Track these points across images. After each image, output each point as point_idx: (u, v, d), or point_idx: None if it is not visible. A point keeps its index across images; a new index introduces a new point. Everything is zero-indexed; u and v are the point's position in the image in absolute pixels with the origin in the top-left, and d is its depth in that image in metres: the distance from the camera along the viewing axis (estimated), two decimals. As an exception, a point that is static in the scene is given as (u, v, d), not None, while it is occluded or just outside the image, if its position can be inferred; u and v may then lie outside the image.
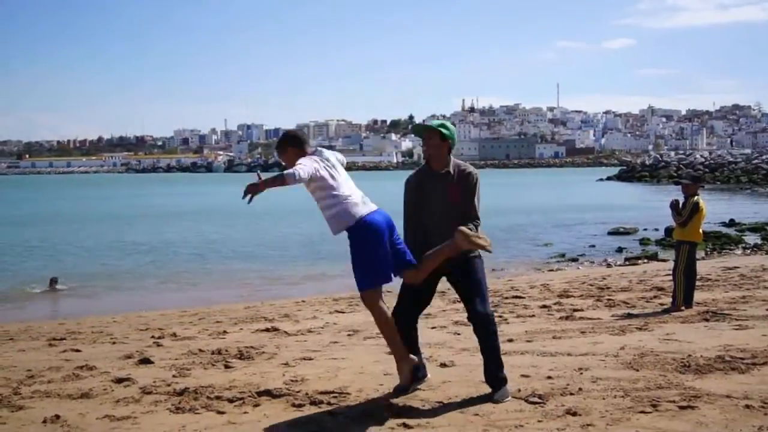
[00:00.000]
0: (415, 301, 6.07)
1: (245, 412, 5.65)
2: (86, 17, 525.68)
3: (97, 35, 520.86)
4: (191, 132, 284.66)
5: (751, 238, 24.73)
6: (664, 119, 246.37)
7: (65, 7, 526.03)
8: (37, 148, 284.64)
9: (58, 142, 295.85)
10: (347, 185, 5.68)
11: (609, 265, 18.87)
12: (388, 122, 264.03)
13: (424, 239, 5.86)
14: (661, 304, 10.46)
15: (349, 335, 9.08)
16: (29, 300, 16.41)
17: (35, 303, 16.11)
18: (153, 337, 9.63)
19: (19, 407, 6.03)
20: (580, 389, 5.87)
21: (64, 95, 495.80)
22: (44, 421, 5.57)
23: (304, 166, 5.46)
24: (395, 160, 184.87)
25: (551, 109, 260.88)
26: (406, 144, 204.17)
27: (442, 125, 5.88)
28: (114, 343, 9.35)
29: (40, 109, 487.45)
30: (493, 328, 5.84)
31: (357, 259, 5.65)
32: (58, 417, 5.64)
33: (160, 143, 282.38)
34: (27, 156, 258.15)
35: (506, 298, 11.99)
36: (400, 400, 5.75)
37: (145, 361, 7.71)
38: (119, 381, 6.76)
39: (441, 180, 5.85)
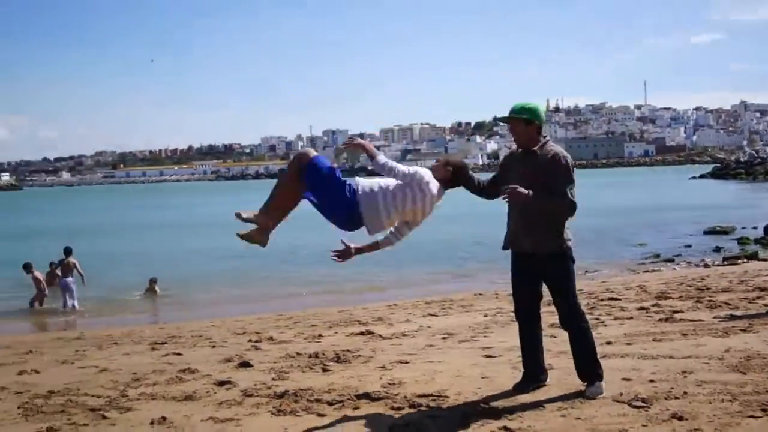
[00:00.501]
0: (530, 296, 6.08)
1: (345, 415, 5.70)
2: (180, 31, 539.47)
3: (187, 48, 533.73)
4: (278, 139, 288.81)
5: None
6: (758, 114, 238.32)
7: (155, 18, 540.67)
8: (131, 158, 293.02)
9: (151, 151, 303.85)
10: None
11: (707, 266, 18.36)
12: (472, 124, 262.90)
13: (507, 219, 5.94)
14: (765, 305, 10.11)
15: (443, 338, 9.07)
16: (129, 305, 16.94)
17: (135, 307, 16.64)
18: (251, 341, 9.80)
19: (127, 409, 6.23)
20: (685, 393, 5.73)
21: (156, 106, 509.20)
22: (152, 423, 5.74)
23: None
24: (481, 162, 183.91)
25: (639, 107, 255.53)
26: (492, 146, 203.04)
27: (523, 109, 5.84)
28: (213, 346, 9.55)
29: (132, 120, 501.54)
30: (584, 328, 5.93)
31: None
32: (164, 419, 5.80)
33: (248, 150, 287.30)
34: (121, 166, 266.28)
35: (602, 300, 11.78)
36: (500, 404, 5.72)
37: (245, 364, 7.85)
38: (221, 384, 6.91)
39: (527, 158, 5.85)
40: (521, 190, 5.48)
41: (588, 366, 5.86)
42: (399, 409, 5.79)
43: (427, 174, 5.74)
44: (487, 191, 6.15)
